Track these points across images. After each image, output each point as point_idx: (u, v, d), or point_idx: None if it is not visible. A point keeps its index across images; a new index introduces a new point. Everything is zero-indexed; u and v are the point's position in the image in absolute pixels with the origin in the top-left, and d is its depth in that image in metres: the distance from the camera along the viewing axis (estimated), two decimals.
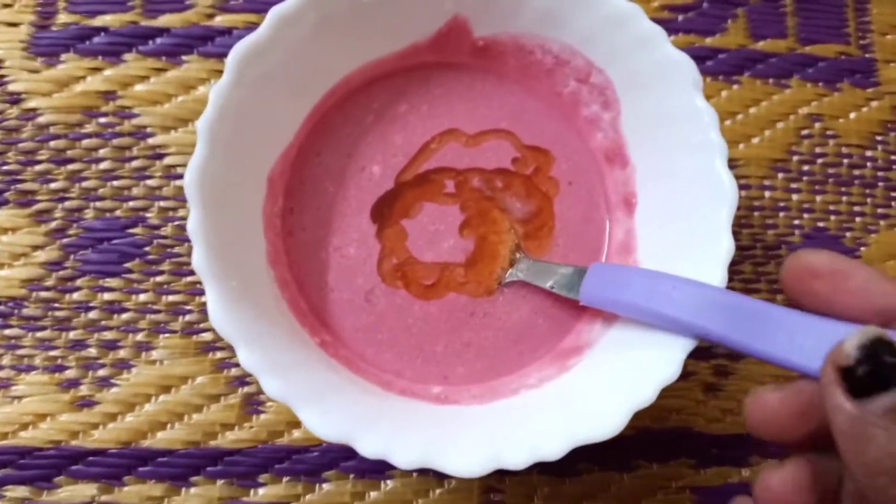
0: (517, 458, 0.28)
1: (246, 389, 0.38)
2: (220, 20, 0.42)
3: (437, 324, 0.36)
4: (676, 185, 0.34)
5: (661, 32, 0.33)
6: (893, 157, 0.45)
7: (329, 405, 0.28)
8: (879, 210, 0.44)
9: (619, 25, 0.33)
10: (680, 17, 0.45)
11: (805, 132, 0.44)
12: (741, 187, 0.43)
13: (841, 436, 0.22)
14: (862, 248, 0.43)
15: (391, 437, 0.28)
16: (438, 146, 0.37)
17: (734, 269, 0.42)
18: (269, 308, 0.32)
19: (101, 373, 0.38)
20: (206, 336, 0.38)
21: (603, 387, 0.32)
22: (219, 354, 0.38)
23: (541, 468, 0.38)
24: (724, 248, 0.31)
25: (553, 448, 0.29)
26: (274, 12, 0.31)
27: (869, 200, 0.44)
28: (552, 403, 0.32)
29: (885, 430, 0.21)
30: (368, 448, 0.27)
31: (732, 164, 0.43)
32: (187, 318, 0.39)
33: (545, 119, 0.38)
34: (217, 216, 0.30)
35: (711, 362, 0.41)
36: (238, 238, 0.31)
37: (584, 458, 0.39)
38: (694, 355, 0.40)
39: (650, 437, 0.39)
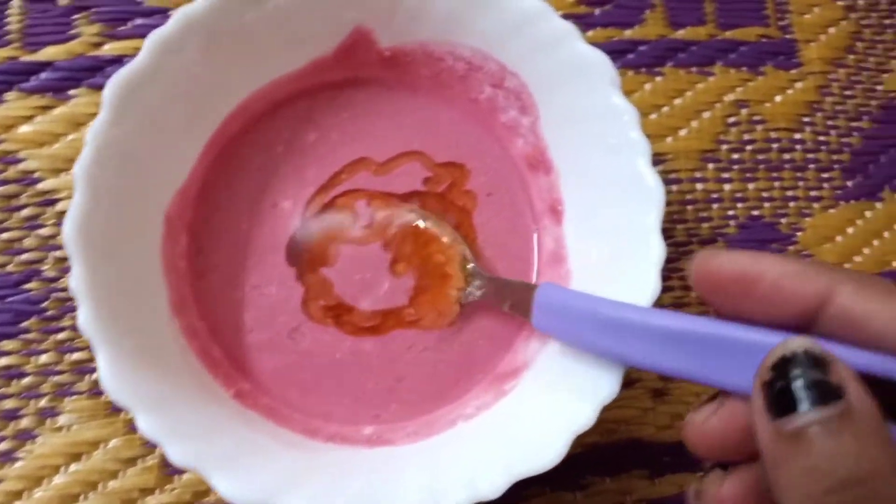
0: (455, 500, 0.26)
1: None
2: (109, 48, 0.39)
3: (370, 359, 0.33)
4: (602, 189, 0.32)
5: (573, 30, 0.31)
6: (821, 139, 0.44)
7: (244, 467, 0.26)
8: (812, 193, 0.43)
9: (528, 25, 0.32)
10: (597, 11, 0.43)
11: (732, 119, 0.43)
12: (672, 182, 0.42)
13: (763, 453, 0.21)
14: (798, 234, 0.42)
15: (317, 495, 0.26)
16: (348, 176, 0.35)
17: (672, 266, 0.41)
18: (173, 363, 0.29)
19: (2, 446, 0.35)
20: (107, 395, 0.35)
21: (541, 411, 0.30)
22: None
23: None
24: (655, 253, 0.29)
25: (491, 486, 0.27)
26: (153, 38, 0.29)
27: (801, 184, 0.43)
28: (490, 434, 0.31)
29: (797, 452, 0.20)
30: None
31: (661, 158, 0.42)
32: (94, 376, 0.35)
33: (461, 130, 0.36)
34: (106, 269, 0.27)
35: None
36: (133, 289, 0.29)
37: (533, 482, 0.37)
38: None
39: (600, 452, 0.38)
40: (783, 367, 0.21)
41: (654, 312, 0.27)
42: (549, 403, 0.30)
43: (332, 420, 0.32)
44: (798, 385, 0.20)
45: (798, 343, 0.21)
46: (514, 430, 0.30)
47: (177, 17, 0.29)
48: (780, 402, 0.20)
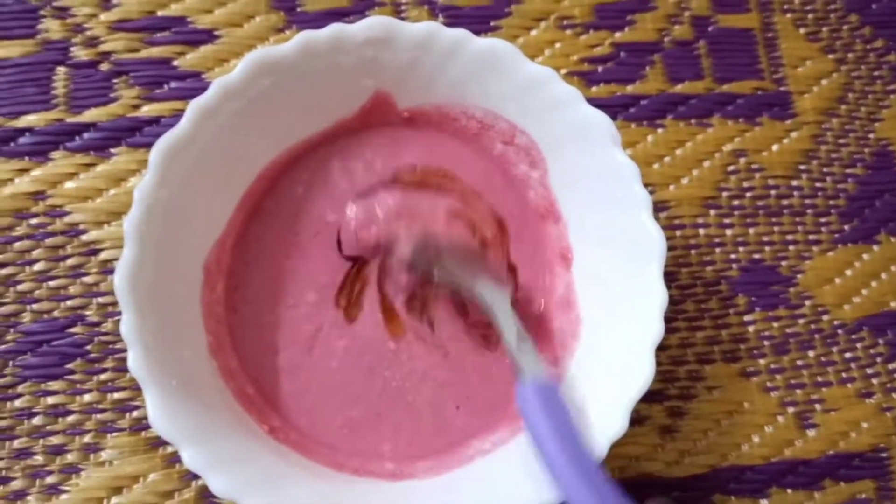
0: None
1: (200, 482, 0.37)
2: (147, 110, 0.42)
3: (354, 388, 0.36)
4: (608, 239, 0.34)
5: (577, 93, 0.33)
6: (818, 185, 0.46)
7: (278, 496, 0.28)
8: (811, 237, 0.45)
9: (535, 89, 0.34)
10: (600, 69, 0.46)
11: (731, 168, 0.45)
12: (675, 227, 0.44)
13: None
14: (798, 276, 0.44)
15: None
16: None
17: (677, 308, 0.43)
18: (213, 402, 0.31)
19: (49, 480, 0.37)
20: (155, 431, 0.37)
21: None
22: (170, 449, 0.37)
23: None
24: (658, 300, 0.32)
25: None
26: (193, 106, 0.31)
27: (800, 228, 0.45)
28: (506, 468, 0.33)
29: None
30: None
31: (664, 205, 0.44)
32: (134, 414, 0.38)
33: (485, 180, 0.39)
34: (152, 316, 0.30)
35: (665, 404, 0.41)
36: (176, 334, 0.31)
37: None
38: (646, 399, 0.40)
39: None
40: None
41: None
42: None
43: (353, 454, 0.34)
44: None
45: None
46: (529, 464, 0.32)
47: (214, 87, 0.32)
48: None
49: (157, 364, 0.29)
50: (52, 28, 0.43)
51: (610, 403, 0.31)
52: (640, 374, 0.31)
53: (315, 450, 0.34)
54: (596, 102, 0.45)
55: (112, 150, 0.41)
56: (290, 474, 0.31)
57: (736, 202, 0.45)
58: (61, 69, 0.42)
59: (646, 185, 0.43)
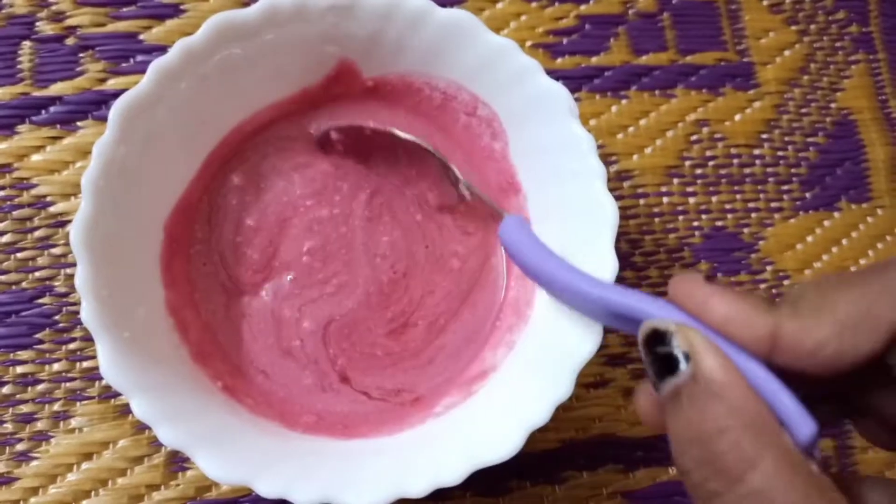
0: (418, 486, 0.29)
1: (169, 448, 0.37)
2: (113, 83, 0.42)
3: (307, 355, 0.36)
4: (564, 208, 0.35)
5: (536, 65, 0.34)
6: (780, 153, 0.47)
7: (226, 449, 0.29)
8: (773, 204, 0.46)
9: (496, 60, 0.34)
10: (565, 41, 0.46)
11: (694, 137, 0.46)
12: (639, 196, 0.44)
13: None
14: (760, 242, 0.45)
15: (292, 477, 0.28)
16: None
17: (641, 274, 0.44)
18: (167, 357, 0.32)
19: (19, 447, 0.37)
20: (125, 399, 0.38)
21: (502, 410, 0.33)
22: None
23: (473, 489, 0.39)
24: (609, 268, 0.32)
25: (452, 474, 0.29)
26: (155, 67, 0.31)
27: (761, 196, 0.46)
28: (455, 429, 0.33)
29: (667, 412, 0.23)
30: (267, 488, 0.28)
31: (628, 174, 0.45)
32: (104, 382, 0.38)
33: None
34: (107, 270, 0.30)
35: (628, 367, 0.42)
36: (132, 289, 0.31)
37: (514, 475, 0.40)
38: (610, 362, 0.41)
39: (576, 448, 0.40)
40: (648, 343, 0.24)
41: (585, 280, 0.28)
42: (511, 403, 0.33)
43: (306, 410, 0.35)
44: (655, 358, 0.23)
45: (648, 324, 0.24)
46: (478, 426, 0.33)
47: (177, 47, 0.32)
48: (655, 370, 0.23)
49: (109, 316, 0.29)
50: (17, 3, 0.43)
51: (558, 368, 0.31)
52: (588, 337, 0.31)
53: (268, 409, 0.34)
54: (561, 74, 0.45)
55: (78, 124, 0.42)
56: (241, 430, 0.31)
57: (699, 171, 0.46)
58: (27, 43, 0.42)
59: (610, 155, 0.45)
